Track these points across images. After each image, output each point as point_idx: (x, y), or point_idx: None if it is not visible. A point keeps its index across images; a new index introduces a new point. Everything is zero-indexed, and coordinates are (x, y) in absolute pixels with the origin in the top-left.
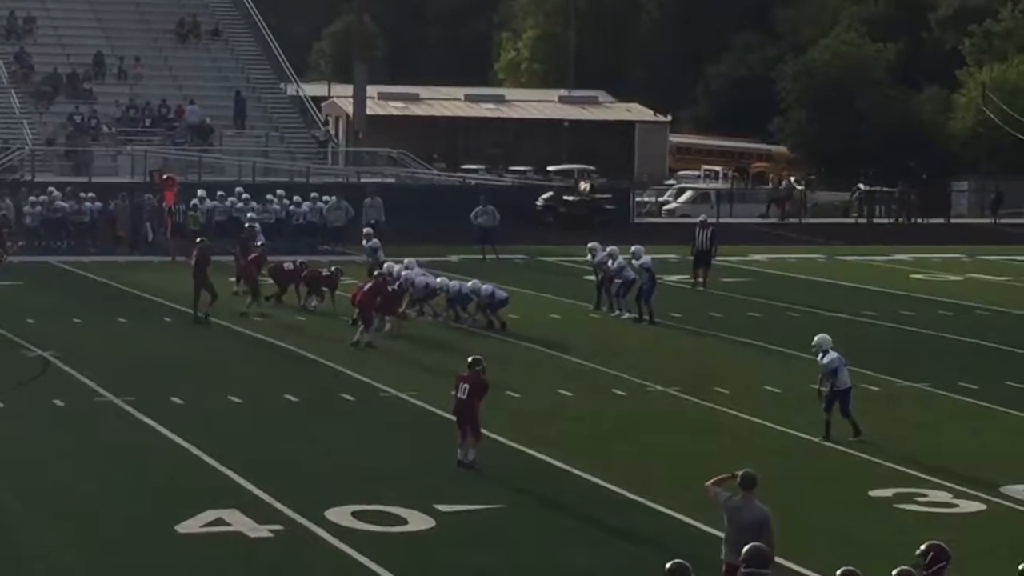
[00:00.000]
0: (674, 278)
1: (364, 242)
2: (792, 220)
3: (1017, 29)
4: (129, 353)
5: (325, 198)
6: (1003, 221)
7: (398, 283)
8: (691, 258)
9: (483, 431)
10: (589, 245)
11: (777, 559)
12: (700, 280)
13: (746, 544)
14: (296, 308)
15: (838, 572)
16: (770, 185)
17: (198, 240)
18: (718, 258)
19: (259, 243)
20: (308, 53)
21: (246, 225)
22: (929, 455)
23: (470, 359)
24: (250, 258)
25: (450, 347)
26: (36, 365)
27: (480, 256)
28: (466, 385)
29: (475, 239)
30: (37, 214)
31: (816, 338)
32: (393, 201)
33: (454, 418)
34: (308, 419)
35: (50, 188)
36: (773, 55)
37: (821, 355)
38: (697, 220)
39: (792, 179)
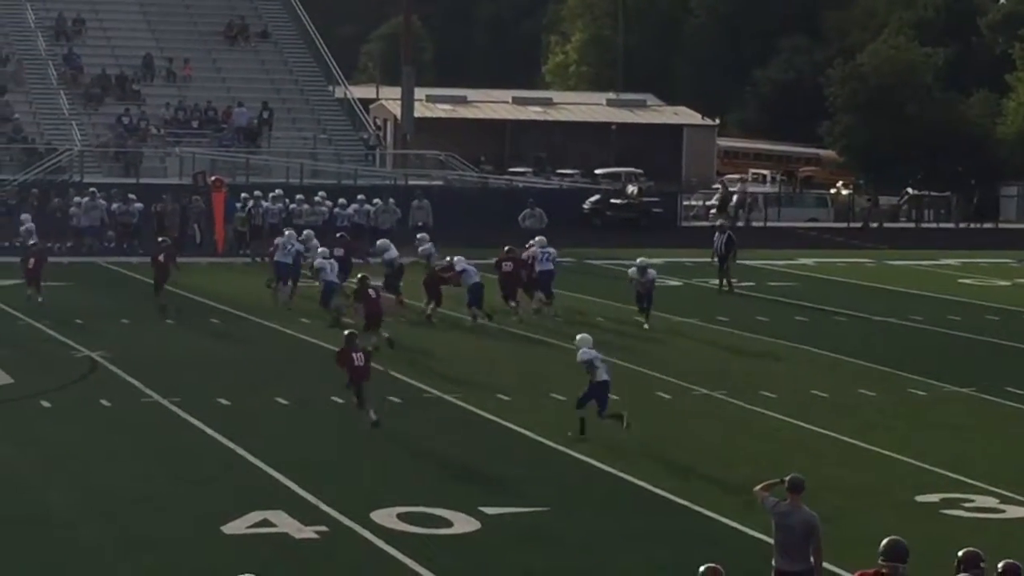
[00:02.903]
0: (719, 281)
1: (418, 247)
2: (817, 223)
3: None
4: (176, 354)
5: (375, 200)
6: (985, 226)
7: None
8: (713, 261)
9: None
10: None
11: (825, 564)
12: (726, 285)
13: (795, 549)
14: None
15: (700, 568)
16: (722, 188)
17: (160, 240)
18: (739, 261)
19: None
20: (356, 55)
21: (284, 231)
22: (976, 460)
23: (347, 332)
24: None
25: (495, 350)
26: (83, 366)
27: None
28: (361, 354)
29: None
30: (82, 214)
31: (578, 337)
32: (440, 204)
33: (355, 386)
34: (353, 420)
35: (91, 188)
36: (821, 59)
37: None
38: (716, 224)
39: (742, 181)
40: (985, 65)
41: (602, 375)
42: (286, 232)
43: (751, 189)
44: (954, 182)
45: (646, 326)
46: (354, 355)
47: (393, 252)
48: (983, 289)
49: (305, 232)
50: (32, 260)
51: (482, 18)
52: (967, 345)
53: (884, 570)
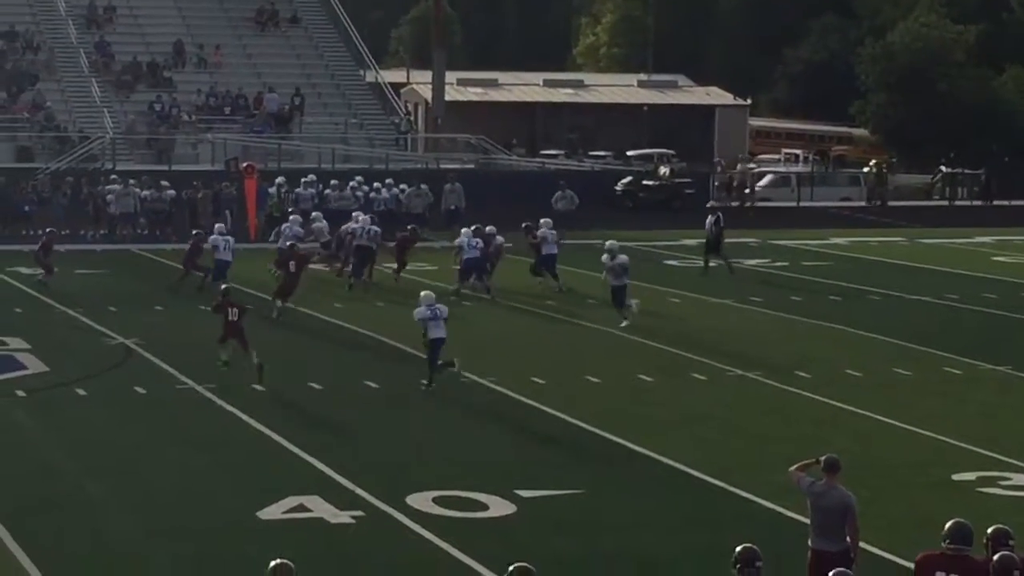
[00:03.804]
0: (753, 262)
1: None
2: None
3: None
4: (210, 340)
5: (401, 185)
6: (998, 203)
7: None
8: (703, 241)
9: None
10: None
11: (861, 543)
12: (711, 265)
13: (831, 529)
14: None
15: (736, 549)
16: (723, 171)
17: (194, 232)
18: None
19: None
20: (387, 40)
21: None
22: (1012, 439)
23: (223, 287)
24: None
25: (528, 334)
26: (118, 353)
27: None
28: (235, 309)
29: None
30: (115, 202)
31: (422, 294)
32: (473, 187)
33: (230, 339)
34: (388, 405)
35: (113, 176)
36: (853, 37)
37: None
38: (707, 206)
39: (741, 162)
40: (1016, 41)
41: (437, 333)
42: (290, 218)
43: (753, 168)
44: (987, 160)
45: (624, 323)
46: (229, 309)
47: (353, 225)
48: (1018, 266)
49: (314, 214)
50: (40, 245)
51: (512, 1)
52: (1003, 323)
53: (949, 552)
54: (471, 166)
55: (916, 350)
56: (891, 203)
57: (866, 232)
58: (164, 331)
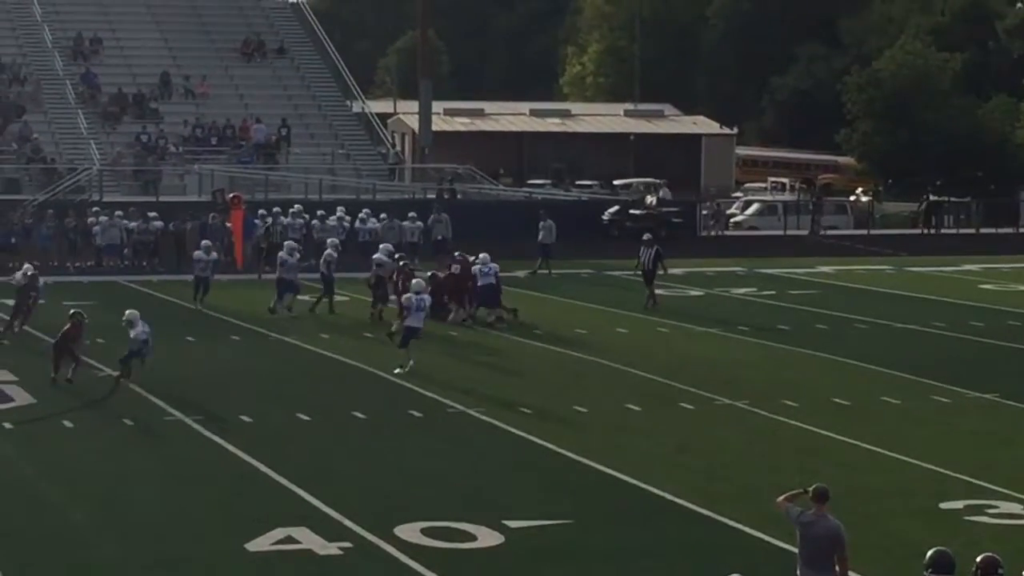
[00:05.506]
0: (740, 291)
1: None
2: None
3: None
4: (197, 372)
5: (361, 214)
6: (945, 232)
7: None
8: (639, 274)
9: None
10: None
11: (850, 573)
12: (653, 299)
13: (820, 559)
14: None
15: None
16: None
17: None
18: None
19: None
20: (373, 70)
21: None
22: (1000, 467)
23: (72, 312)
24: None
25: (518, 364)
26: (105, 385)
27: (537, 271)
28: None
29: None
30: (103, 234)
31: (127, 313)
32: (460, 217)
33: (54, 353)
34: (376, 436)
35: (95, 208)
36: (839, 66)
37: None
38: (643, 239)
39: (656, 188)
40: (1002, 70)
41: (139, 336)
42: (285, 244)
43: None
44: (974, 188)
45: (398, 371)
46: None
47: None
48: (1005, 294)
49: (288, 244)
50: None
51: (499, 31)
52: (990, 351)
53: None
54: (458, 196)
55: (903, 378)
56: (876, 231)
57: (853, 260)
58: (151, 363)
